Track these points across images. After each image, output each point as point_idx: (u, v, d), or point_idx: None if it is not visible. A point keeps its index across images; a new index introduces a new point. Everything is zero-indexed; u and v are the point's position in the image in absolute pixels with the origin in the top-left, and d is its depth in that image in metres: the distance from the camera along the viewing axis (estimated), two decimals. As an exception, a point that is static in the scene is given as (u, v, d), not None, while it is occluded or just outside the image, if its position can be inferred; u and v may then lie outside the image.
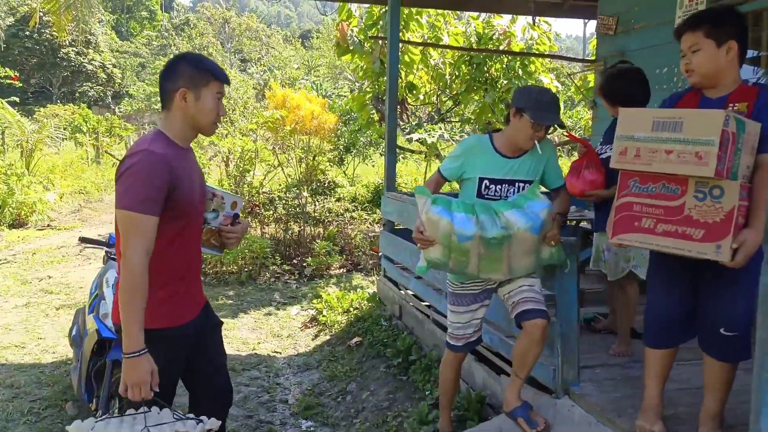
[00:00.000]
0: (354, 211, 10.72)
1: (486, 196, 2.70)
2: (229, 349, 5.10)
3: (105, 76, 34.39)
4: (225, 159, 8.80)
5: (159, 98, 2.25)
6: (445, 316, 4.25)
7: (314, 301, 6.31)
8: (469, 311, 2.88)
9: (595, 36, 7.13)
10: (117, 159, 15.32)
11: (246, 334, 5.49)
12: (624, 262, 3.27)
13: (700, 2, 4.77)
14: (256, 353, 5.08)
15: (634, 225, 2.23)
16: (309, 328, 5.72)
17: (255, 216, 8.69)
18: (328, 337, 5.42)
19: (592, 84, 6.88)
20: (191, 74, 2.15)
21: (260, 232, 8.62)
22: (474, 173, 2.71)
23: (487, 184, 2.69)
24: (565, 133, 7.63)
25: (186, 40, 33.98)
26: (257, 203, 8.74)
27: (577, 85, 8.72)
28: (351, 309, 5.86)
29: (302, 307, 6.35)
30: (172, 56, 2.38)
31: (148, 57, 36.58)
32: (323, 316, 5.77)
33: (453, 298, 2.91)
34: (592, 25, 9.45)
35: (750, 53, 4.58)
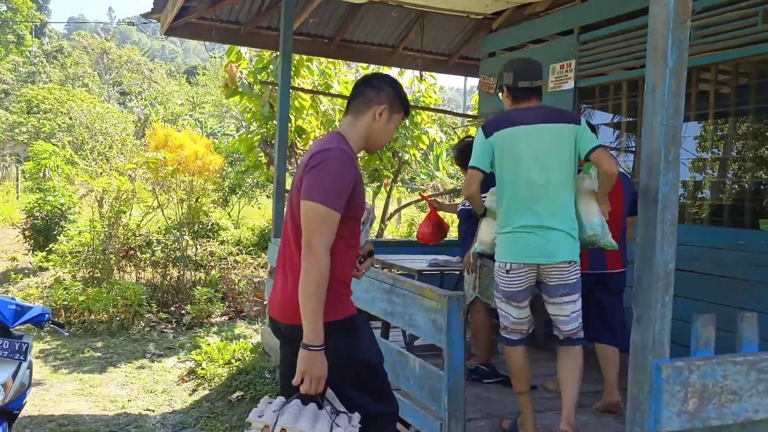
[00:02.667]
0: (238, 254, 10.37)
1: None
2: (95, 408, 4.64)
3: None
4: (98, 199, 8.22)
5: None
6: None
7: (193, 352, 5.94)
8: (523, 308, 2.93)
9: (476, 91, 7.53)
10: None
11: (115, 391, 5.04)
12: (471, 290, 3.63)
13: (569, 69, 5.20)
14: (125, 412, 4.66)
15: None
16: (186, 381, 5.36)
17: (130, 260, 8.14)
18: (207, 392, 5.10)
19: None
20: (393, 97, 2.26)
21: (135, 278, 8.08)
22: None
23: None
24: (419, 193, 9.04)
25: (59, 68, 31.90)
26: (133, 246, 8.20)
27: (460, 137, 9.13)
28: (233, 360, 5.58)
29: (179, 358, 5.96)
30: (372, 72, 2.58)
31: (13, 84, 33.84)
32: (202, 368, 5.44)
33: (510, 293, 2.90)
34: (473, 79, 10.00)
35: (627, 119, 5.03)
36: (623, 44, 4.67)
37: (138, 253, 8.25)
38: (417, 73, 8.77)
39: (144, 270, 8.25)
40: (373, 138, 2.27)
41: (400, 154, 9.35)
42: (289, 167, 9.03)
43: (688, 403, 1.86)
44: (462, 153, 4.01)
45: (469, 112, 10.67)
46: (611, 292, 3.40)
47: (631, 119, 4.89)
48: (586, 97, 5.15)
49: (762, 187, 3.98)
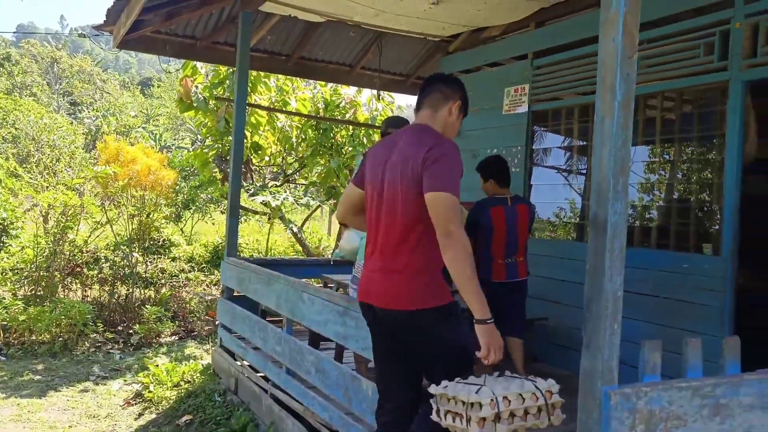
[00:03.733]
0: (190, 272, 10.13)
1: None
2: (32, 435, 4.42)
3: None
4: (44, 214, 7.91)
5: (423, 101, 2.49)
6: (284, 391, 4.08)
7: (140, 374, 5.74)
8: None
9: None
10: None
11: (55, 416, 4.81)
12: None
13: (524, 93, 5.31)
14: (65, 439, 4.45)
15: None
16: (132, 405, 5.16)
17: (76, 277, 7.85)
18: (154, 416, 4.92)
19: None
20: (464, 99, 2.50)
21: (81, 296, 7.78)
22: None
23: None
24: None
25: (5, 76, 30.81)
26: (80, 263, 7.91)
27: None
28: (182, 383, 5.41)
29: (126, 381, 5.74)
30: (441, 73, 2.79)
31: (-45, 91, 32.45)
32: (150, 391, 5.25)
33: None
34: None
35: (578, 142, 5.14)
36: (575, 70, 4.80)
37: (85, 270, 7.96)
38: (375, 91, 8.83)
39: (90, 288, 7.96)
40: (446, 131, 2.47)
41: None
42: (245, 184, 8.92)
43: (636, 429, 1.88)
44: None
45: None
46: (521, 295, 4.09)
47: (582, 143, 5.01)
48: (540, 121, 5.26)
49: (704, 212, 4.13)
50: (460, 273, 2.15)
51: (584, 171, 5.12)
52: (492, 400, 1.98)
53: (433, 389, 2.12)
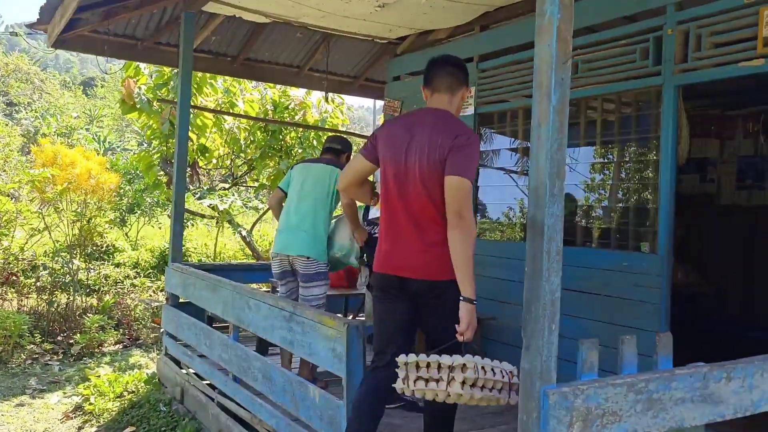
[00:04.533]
0: (136, 278, 9.86)
1: None
2: (-37, 454, 4.20)
3: None
4: (-25, 219, 7.55)
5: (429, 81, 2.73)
6: (231, 399, 4.01)
7: (80, 386, 5.53)
8: None
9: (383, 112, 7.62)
10: None
11: (-12, 433, 4.59)
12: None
13: (470, 96, 5.37)
14: (-1, 457, 4.26)
15: None
16: (71, 419, 4.97)
17: (12, 286, 7.51)
18: (94, 429, 4.75)
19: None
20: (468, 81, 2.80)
21: (17, 305, 7.45)
22: None
23: None
24: None
25: (-66, 75, 29.24)
26: (15, 272, 7.58)
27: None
28: (125, 393, 5.25)
29: (65, 393, 5.52)
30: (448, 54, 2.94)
31: None
32: (90, 403, 5.06)
33: None
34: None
35: (523, 144, 5.23)
36: (518, 73, 4.89)
37: (21, 279, 7.63)
38: (324, 93, 8.77)
39: (27, 297, 7.62)
40: (457, 113, 2.73)
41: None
42: (191, 187, 8.72)
43: (573, 426, 1.92)
44: None
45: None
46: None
47: (527, 144, 5.11)
48: (487, 123, 5.34)
49: (642, 211, 4.26)
50: (463, 253, 2.45)
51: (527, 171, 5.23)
52: (475, 365, 2.21)
53: (402, 358, 2.26)
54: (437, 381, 2.21)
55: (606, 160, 4.58)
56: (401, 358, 2.27)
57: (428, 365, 2.23)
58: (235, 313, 3.91)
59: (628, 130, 4.31)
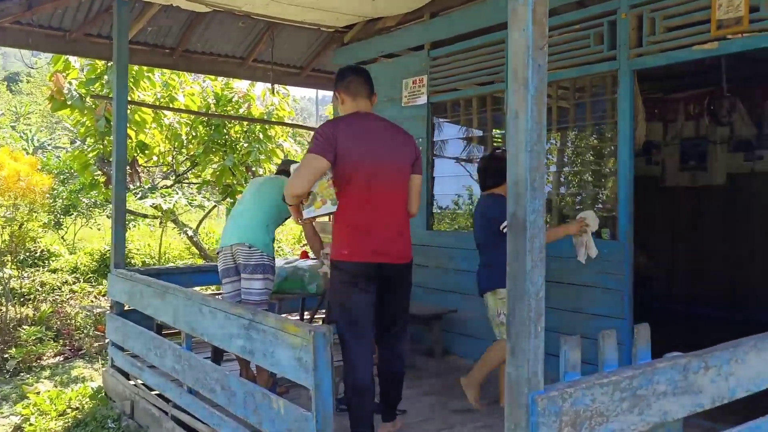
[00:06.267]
0: (75, 283, 9.35)
1: None
2: None
3: None
4: None
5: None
6: (186, 412, 3.78)
7: (18, 405, 5.14)
8: None
9: (329, 101, 7.42)
10: None
11: None
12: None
13: (422, 85, 5.25)
14: (-70, 490, 3.89)
15: None
16: (11, 442, 4.62)
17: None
18: (37, 452, 4.42)
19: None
20: None
21: (-56, 320, 6.90)
22: None
23: None
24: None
25: None
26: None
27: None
28: (69, 410, 4.91)
29: (2, 413, 5.12)
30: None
31: None
32: (31, 424, 4.71)
33: None
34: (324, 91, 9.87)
35: (477, 132, 5.15)
36: (472, 61, 4.80)
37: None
38: (269, 85, 8.49)
39: (-45, 311, 7.08)
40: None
41: (253, 169, 8.97)
42: (131, 186, 8.30)
43: (563, 431, 1.83)
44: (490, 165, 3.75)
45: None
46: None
47: (480, 133, 5.04)
48: (439, 112, 5.23)
49: (601, 197, 4.25)
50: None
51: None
52: None
53: None
54: None
55: (564, 147, 4.56)
56: None
57: None
58: (187, 322, 3.67)
59: (584, 116, 4.29)
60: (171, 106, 8.04)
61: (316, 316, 5.35)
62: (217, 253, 4.00)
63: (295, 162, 3.82)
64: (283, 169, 4.29)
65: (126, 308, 4.89)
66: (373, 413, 3.01)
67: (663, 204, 7.27)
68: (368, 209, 2.94)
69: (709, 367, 2.22)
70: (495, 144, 4.97)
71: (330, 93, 6.82)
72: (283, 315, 3.98)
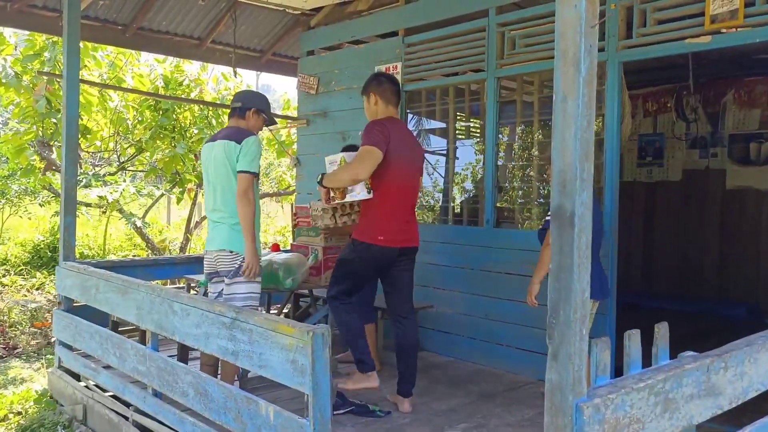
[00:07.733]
0: (5, 276, 8.70)
1: None
2: None
3: None
4: None
5: None
6: (150, 417, 3.49)
7: (-48, 411, 4.67)
8: None
9: (271, 89, 7.12)
10: None
11: None
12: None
13: (395, 72, 5.07)
14: None
15: None
16: (-55, 453, 4.17)
17: None
18: (-24, 463, 4.01)
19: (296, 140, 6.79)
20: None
21: None
22: None
23: None
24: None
25: None
26: None
27: (278, 141, 8.63)
28: (11, 416, 4.49)
29: (-68, 421, 4.64)
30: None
31: None
32: (-32, 433, 4.28)
33: None
34: (265, 76, 9.42)
35: (454, 123, 5.01)
36: (450, 48, 4.65)
37: None
38: (222, 69, 8.08)
39: None
40: None
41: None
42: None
43: (604, 440, 1.72)
44: None
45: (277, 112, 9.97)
46: None
47: (458, 123, 4.92)
48: (414, 102, 5.07)
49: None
50: None
51: (445, 153, 5.08)
52: None
53: None
54: None
55: (547, 140, 4.48)
56: None
57: None
58: (154, 319, 3.37)
59: (547, 111, 4.22)
60: (120, 86, 7.53)
61: (284, 311, 5.11)
62: (204, 255, 3.74)
63: (244, 91, 3.83)
64: (232, 109, 3.67)
65: (75, 304, 4.50)
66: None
67: (620, 199, 7.40)
68: (402, 203, 3.45)
69: (728, 367, 2.17)
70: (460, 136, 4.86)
71: (283, 79, 6.53)
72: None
